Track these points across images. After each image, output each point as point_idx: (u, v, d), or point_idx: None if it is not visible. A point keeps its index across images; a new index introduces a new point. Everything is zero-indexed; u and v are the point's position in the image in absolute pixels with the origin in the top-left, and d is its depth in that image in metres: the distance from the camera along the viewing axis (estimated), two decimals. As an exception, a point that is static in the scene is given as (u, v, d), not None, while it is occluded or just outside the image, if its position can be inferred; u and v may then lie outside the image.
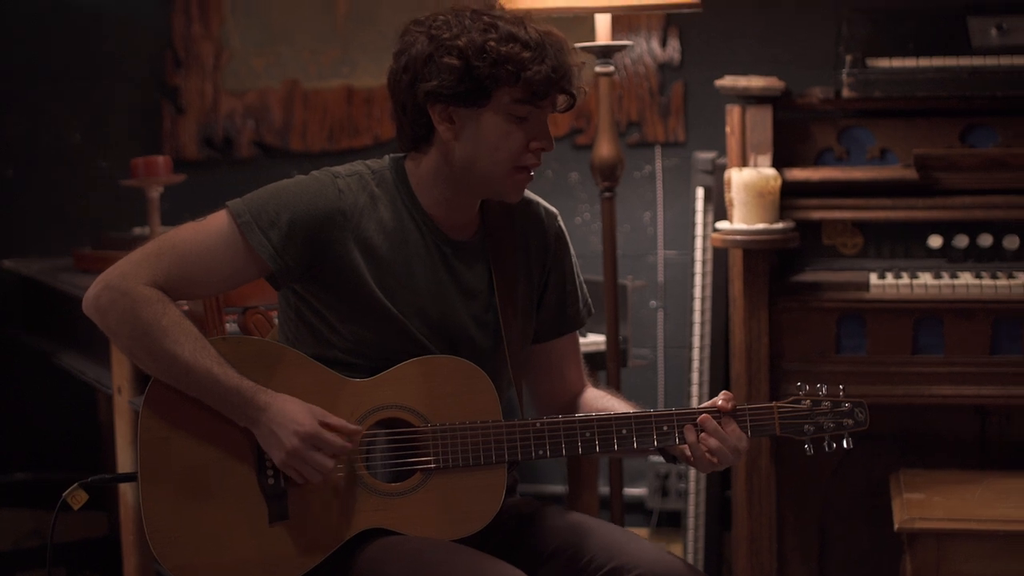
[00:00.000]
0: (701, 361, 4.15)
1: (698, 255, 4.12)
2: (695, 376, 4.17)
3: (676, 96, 4.53)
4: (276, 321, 2.91)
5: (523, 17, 2.56)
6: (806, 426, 2.60)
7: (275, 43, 4.72)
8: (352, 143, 4.69)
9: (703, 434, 2.55)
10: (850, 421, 2.61)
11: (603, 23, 3.57)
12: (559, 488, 4.49)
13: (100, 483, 2.67)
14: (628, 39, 4.43)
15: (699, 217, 4.11)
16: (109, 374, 3.56)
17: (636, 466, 4.50)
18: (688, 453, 2.58)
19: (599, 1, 3.50)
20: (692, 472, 4.23)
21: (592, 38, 3.62)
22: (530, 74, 2.49)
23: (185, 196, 4.18)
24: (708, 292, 4.12)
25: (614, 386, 3.52)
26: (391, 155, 2.68)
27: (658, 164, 4.56)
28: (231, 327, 2.97)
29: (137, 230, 4.39)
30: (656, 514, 4.53)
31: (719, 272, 4.10)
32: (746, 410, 2.59)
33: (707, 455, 2.55)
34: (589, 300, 2.83)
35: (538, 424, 2.59)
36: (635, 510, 4.50)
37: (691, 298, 4.21)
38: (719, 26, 4.49)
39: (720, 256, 4.11)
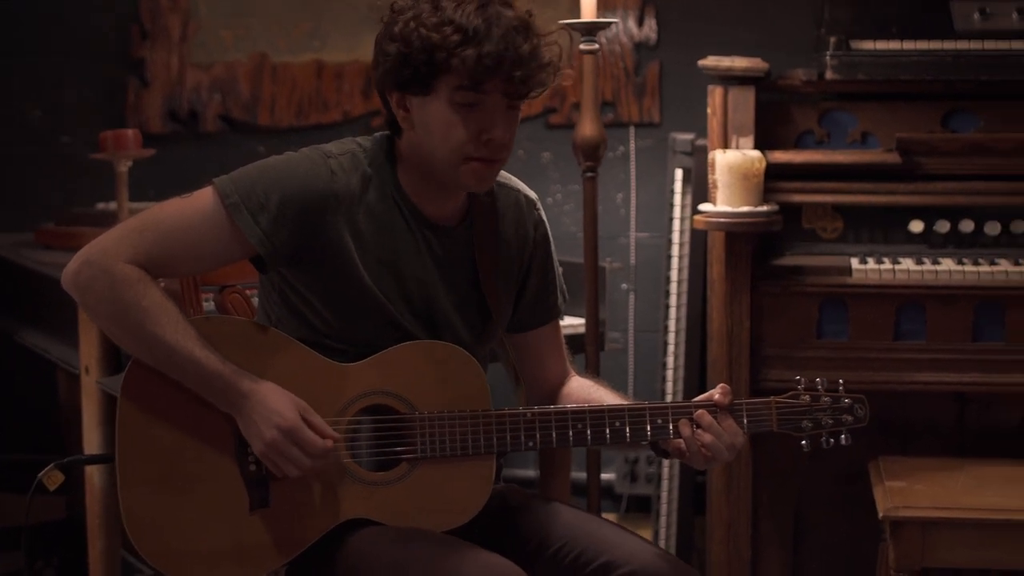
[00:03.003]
0: (677, 345, 4.10)
1: (675, 237, 4.07)
2: (670, 360, 4.12)
3: (652, 76, 4.48)
4: (255, 301, 2.84)
5: None
6: (804, 422, 2.54)
7: (244, 15, 4.63)
8: (321, 119, 4.61)
9: (699, 429, 2.49)
10: (849, 417, 2.56)
11: (588, 0, 3.50)
12: (531, 472, 4.44)
13: (76, 463, 2.61)
14: (604, 18, 4.36)
15: (677, 199, 4.06)
16: (75, 353, 3.47)
17: (604, 451, 4.45)
18: (682, 447, 2.51)
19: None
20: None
21: (568, 16, 3.56)
22: (458, 61, 2.38)
23: (150, 171, 4.10)
24: (685, 275, 4.06)
25: (593, 370, 3.47)
26: (383, 133, 2.60)
27: (632, 145, 4.51)
28: (208, 306, 2.90)
29: (101, 205, 4.31)
30: (625, 499, 4.49)
31: (696, 255, 4.05)
32: (743, 405, 2.52)
33: (702, 450, 2.49)
34: (564, 287, 2.77)
35: (529, 414, 2.52)
36: (604, 495, 4.44)
37: (666, 281, 4.16)
38: (696, 6, 4.44)
39: (697, 239, 4.06)
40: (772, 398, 2.54)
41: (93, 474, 3.41)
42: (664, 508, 4.18)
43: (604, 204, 4.48)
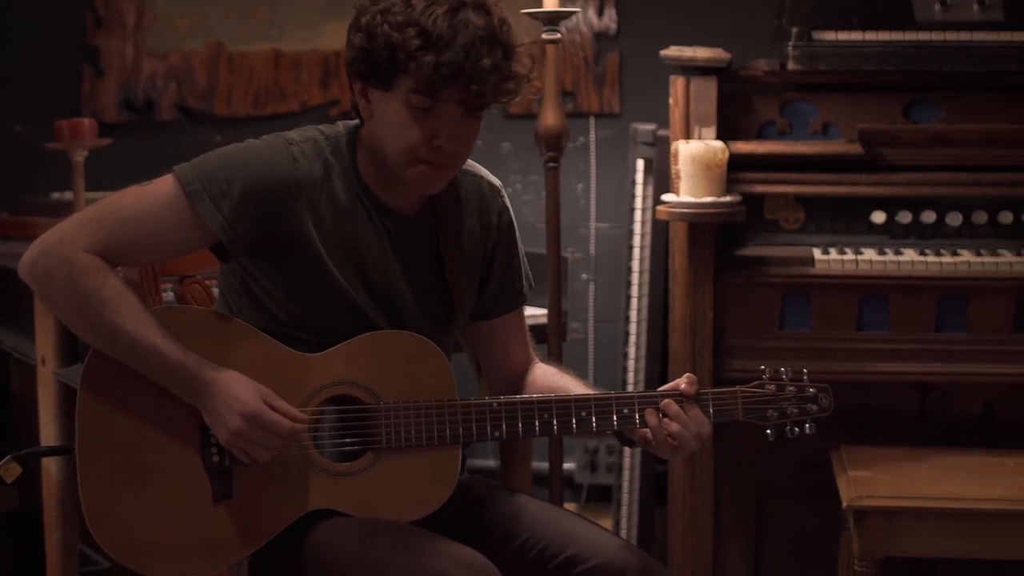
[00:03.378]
0: (638, 335, 4.08)
1: (637, 228, 4.06)
2: (632, 350, 4.11)
3: (612, 66, 4.46)
4: (215, 291, 2.81)
5: (459, 2, 2.37)
6: (769, 411, 2.54)
7: (200, 4, 4.58)
8: (279, 108, 4.57)
9: (665, 418, 2.48)
10: (814, 407, 2.56)
11: (550, -12, 3.48)
12: (491, 463, 4.42)
13: (34, 455, 2.57)
14: (565, 7, 4.33)
15: (639, 189, 4.04)
16: (30, 343, 3.43)
17: (565, 440, 4.43)
18: (648, 437, 2.50)
19: (546, -34, 3.42)
20: (626, 447, 4.17)
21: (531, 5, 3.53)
22: (415, 65, 2.34)
23: (105, 160, 4.03)
24: (647, 265, 4.05)
25: (555, 360, 3.45)
26: (345, 122, 2.57)
27: (592, 135, 4.49)
28: (167, 296, 2.88)
29: (56, 195, 4.25)
30: (585, 489, 4.47)
31: (657, 245, 4.03)
32: (709, 394, 2.52)
33: (668, 439, 2.48)
34: (530, 275, 2.75)
35: (495, 404, 2.51)
36: (564, 485, 4.43)
37: (627, 271, 4.15)
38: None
39: (659, 229, 4.04)
40: (738, 387, 2.54)
41: (50, 466, 3.37)
42: (625, 498, 4.17)
43: (564, 194, 4.43)
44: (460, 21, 2.35)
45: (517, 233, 2.70)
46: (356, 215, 2.50)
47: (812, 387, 2.56)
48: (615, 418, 2.50)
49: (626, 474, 4.18)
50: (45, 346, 3.34)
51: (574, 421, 2.51)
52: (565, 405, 2.51)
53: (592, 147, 4.47)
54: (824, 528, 3.73)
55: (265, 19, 4.56)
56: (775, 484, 3.83)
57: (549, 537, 2.50)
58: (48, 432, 3.34)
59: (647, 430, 2.49)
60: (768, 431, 2.55)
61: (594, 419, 2.50)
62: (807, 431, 2.56)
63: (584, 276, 4.48)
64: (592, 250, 4.45)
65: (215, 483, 2.44)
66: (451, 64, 2.33)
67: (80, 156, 3.72)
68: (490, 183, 2.66)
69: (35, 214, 4.00)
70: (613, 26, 4.46)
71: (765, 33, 4.17)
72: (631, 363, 4.11)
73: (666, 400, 2.49)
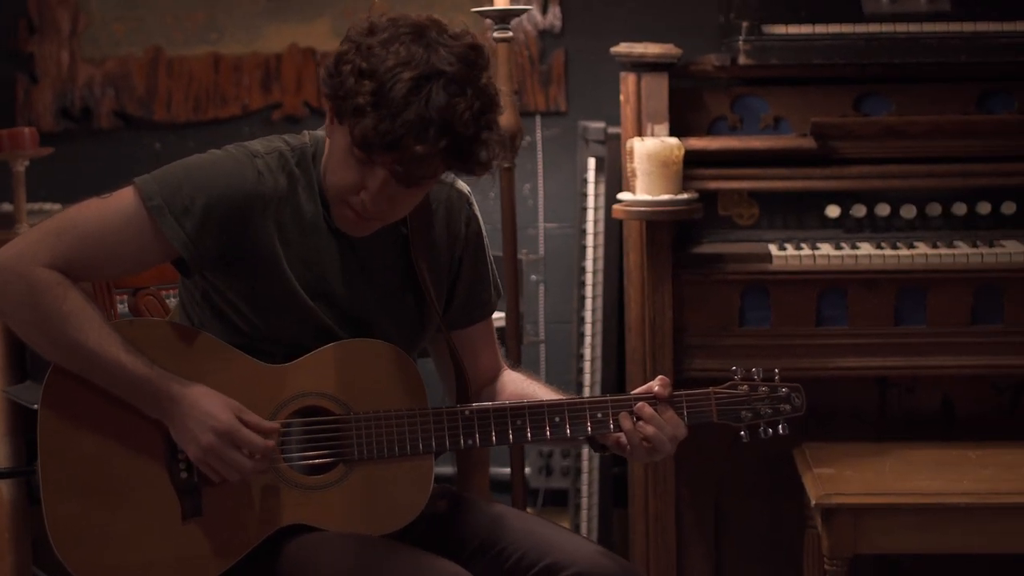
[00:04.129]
0: (593, 336, 4.04)
1: (590, 227, 4.02)
2: (587, 351, 4.07)
3: (557, 64, 4.42)
4: (169, 303, 2.74)
5: (434, 69, 2.24)
6: (743, 412, 2.51)
7: (135, 7, 4.49)
8: (219, 113, 4.48)
9: (640, 422, 2.44)
10: (787, 407, 2.53)
11: (501, -14, 3.43)
12: (448, 469, 4.36)
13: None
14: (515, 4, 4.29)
15: (591, 188, 4.00)
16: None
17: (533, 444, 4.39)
18: (623, 441, 2.46)
19: (497, -37, 3.37)
20: (586, 449, 4.13)
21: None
22: (354, 121, 2.26)
23: (42, 170, 3.93)
24: (600, 265, 4.01)
25: (515, 363, 3.40)
26: (311, 131, 2.51)
27: (538, 134, 4.44)
28: (121, 309, 2.81)
29: (-9, 206, 4.15)
30: (541, 493, 4.43)
31: (611, 245, 3.99)
32: (682, 396, 2.48)
33: (643, 443, 2.45)
34: (499, 283, 2.70)
35: (467, 412, 2.46)
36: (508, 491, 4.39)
37: (580, 271, 4.11)
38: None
39: (611, 228, 4.00)
40: (711, 389, 2.51)
41: (2, 488, 3.27)
42: (584, 502, 4.13)
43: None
44: (421, 94, 2.23)
45: (486, 241, 2.64)
46: (319, 228, 2.45)
47: (784, 387, 2.53)
48: (589, 424, 2.47)
49: (584, 477, 4.15)
50: (-9, 361, 3.25)
51: (548, 428, 2.47)
52: (538, 411, 2.47)
53: (539, 146, 4.41)
54: (786, 526, 3.72)
55: (203, 22, 4.47)
56: (735, 483, 3.81)
57: (527, 546, 2.45)
58: (-1, 451, 3.25)
59: (621, 435, 2.46)
60: (742, 432, 2.52)
61: (568, 425, 2.46)
62: (781, 432, 2.52)
63: (533, 277, 4.44)
64: (541, 251, 4.40)
65: (184, 500, 2.39)
66: (385, 135, 2.23)
67: (21, 166, 3.63)
68: (459, 191, 2.59)
69: (-29, 226, 3.89)
70: (558, 23, 4.42)
71: (708, 28, 4.16)
72: (587, 364, 4.07)
73: (640, 403, 2.45)
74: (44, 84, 4.50)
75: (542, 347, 4.37)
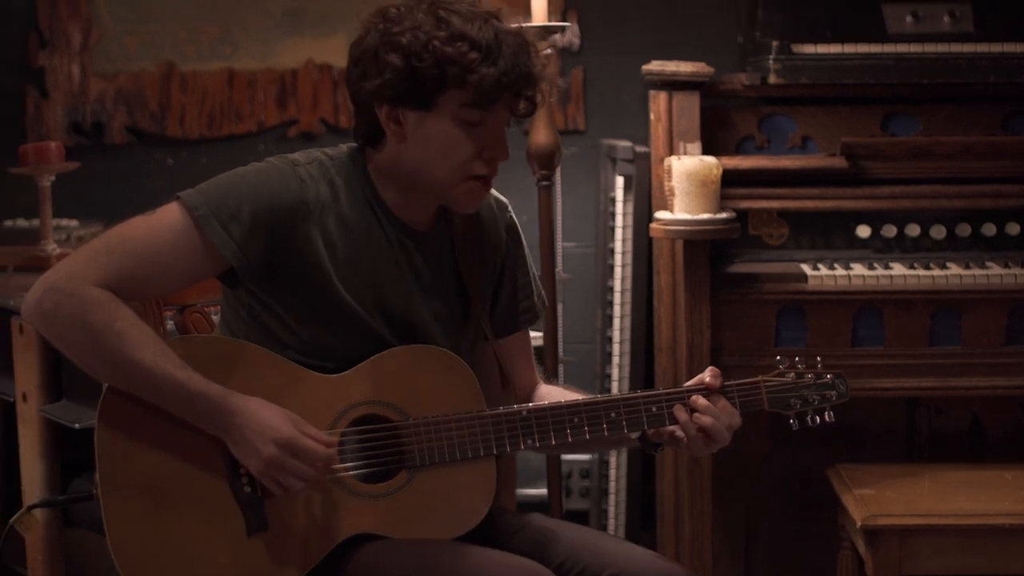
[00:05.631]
0: (621, 356, 4.02)
1: (618, 247, 3.99)
2: (615, 371, 4.04)
3: (576, 82, 4.39)
4: (215, 319, 2.71)
5: (485, 13, 2.38)
6: (792, 399, 2.55)
7: (148, 21, 4.43)
8: (234, 129, 4.43)
9: (696, 413, 2.47)
10: (833, 393, 2.57)
11: (539, 3, 3.42)
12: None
13: (53, 504, 2.43)
14: (523, 23, 4.27)
15: (619, 207, 3.98)
16: (9, 379, 3.27)
17: (536, 466, 4.35)
18: (679, 434, 2.48)
19: (534, -20, 3.36)
20: (612, 469, 4.11)
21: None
22: (476, 77, 2.32)
23: (53, 185, 3.84)
24: (628, 284, 3.99)
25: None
26: (348, 144, 2.52)
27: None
28: (168, 326, 2.77)
29: (8, 223, 4.09)
30: (562, 515, 4.39)
31: (638, 264, 3.97)
32: (733, 386, 2.52)
33: (700, 434, 2.46)
34: (543, 293, 2.70)
35: (524, 412, 2.47)
36: (538, 511, 4.34)
37: (607, 291, 4.08)
38: (616, 11, 4.36)
39: (638, 248, 3.98)
40: (760, 377, 2.55)
41: (36, 516, 3.21)
42: (612, 523, 4.10)
43: (529, 214, 4.40)
44: (497, 30, 2.35)
45: (526, 250, 2.66)
46: (371, 234, 2.45)
47: (829, 374, 2.57)
48: (644, 418, 2.48)
49: (611, 499, 4.12)
50: (27, 381, 3.18)
51: (605, 424, 2.48)
52: (594, 408, 2.48)
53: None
54: (816, 545, 3.71)
55: (217, 36, 4.42)
56: (764, 504, 3.80)
57: (587, 559, 2.46)
58: (32, 472, 3.17)
59: (675, 428, 2.47)
60: (792, 420, 2.56)
61: (624, 420, 2.48)
62: (828, 419, 2.56)
63: (552, 296, 4.40)
64: (559, 269, 4.37)
65: (248, 515, 2.37)
66: (508, 73, 2.33)
67: (47, 181, 3.59)
68: (497, 199, 2.62)
69: (-8, 243, 3.85)
70: (576, 42, 4.39)
71: (725, 47, 4.16)
72: (615, 384, 4.04)
73: (694, 394, 2.47)
74: (55, 98, 4.44)
75: (562, 367, 4.33)
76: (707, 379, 2.49)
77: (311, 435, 2.34)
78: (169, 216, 2.38)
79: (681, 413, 2.47)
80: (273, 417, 2.33)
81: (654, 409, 2.48)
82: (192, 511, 2.35)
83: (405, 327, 2.48)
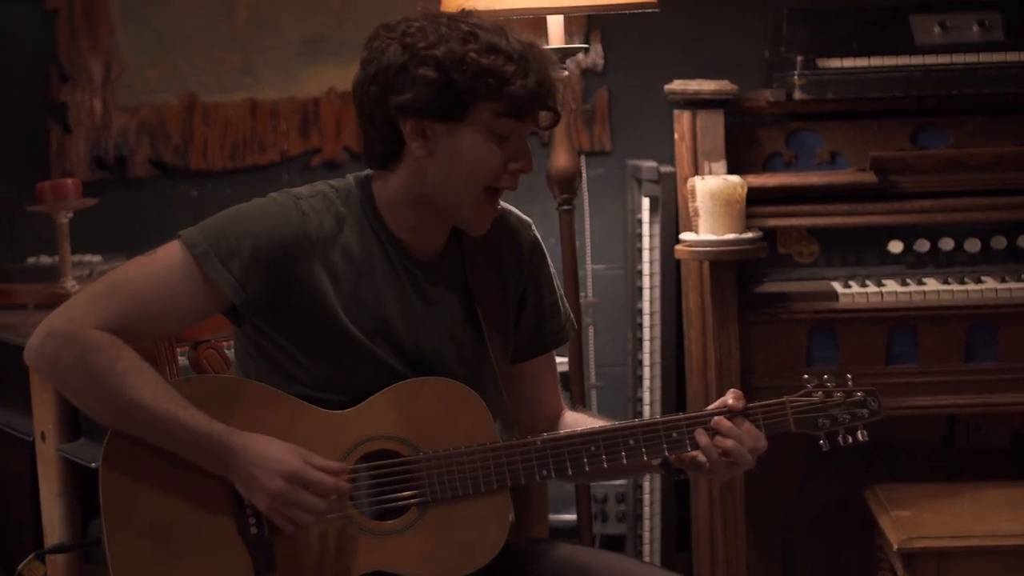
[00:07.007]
0: (652, 379, 3.96)
1: (646, 268, 3.93)
2: (646, 395, 3.98)
3: (601, 103, 4.34)
4: (230, 354, 2.68)
5: (502, 26, 2.36)
6: (820, 420, 2.45)
7: (169, 52, 4.40)
8: (258, 160, 4.39)
9: (718, 437, 2.39)
10: (864, 411, 2.47)
11: (556, 25, 3.37)
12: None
13: (60, 551, 2.40)
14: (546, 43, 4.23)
15: (646, 228, 3.92)
16: (26, 418, 3.25)
17: (568, 492, 4.29)
18: (701, 459, 2.40)
19: (551, 2, 3.30)
20: (646, 494, 4.04)
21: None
22: (513, 89, 2.30)
23: (77, 221, 3.82)
24: (657, 306, 3.93)
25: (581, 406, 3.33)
26: (355, 174, 2.47)
27: (583, 174, 4.36)
28: (182, 362, 2.74)
29: (32, 259, 4.07)
30: (598, 540, 4.33)
31: (667, 286, 3.91)
32: (758, 408, 2.43)
33: (723, 458, 2.39)
34: (571, 315, 2.64)
35: (538, 442, 2.40)
36: (573, 536, 4.29)
37: (637, 313, 4.02)
38: (640, 31, 4.30)
39: (667, 269, 3.92)
40: (785, 398, 2.46)
41: (56, 560, 3.16)
42: (647, 549, 4.04)
43: (555, 236, 4.35)
44: (521, 43, 2.34)
45: (552, 270, 2.60)
46: (375, 266, 2.41)
47: (859, 391, 2.48)
48: (664, 444, 2.40)
49: (646, 523, 4.06)
50: (44, 421, 3.15)
51: (623, 452, 2.41)
52: (611, 436, 2.41)
53: (584, 187, 4.33)
54: (853, 567, 3.64)
55: (238, 66, 4.39)
56: (800, 525, 3.74)
57: None
58: (52, 512, 3.13)
59: (698, 453, 2.40)
60: (821, 441, 2.46)
61: (643, 448, 2.41)
62: (860, 439, 2.46)
63: (584, 320, 4.34)
64: (589, 292, 4.32)
65: (256, 556, 2.33)
66: (543, 84, 2.32)
67: (64, 218, 3.56)
68: (519, 217, 2.57)
69: (14, 281, 3.81)
70: (600, 62, 4.34)
71: (749, 64, 4.09)
72: (646, 408, 3.98)
73: (716, 417, 2.40)
74: (78, 133, 4.41)
75: (594, 392, 4.28)
76: (729, 401, 2.42)
77: (319, 465, 2.30)
78: (169, 255, 2.36)
79: (703, 437, 2.39)
80: (278, 451, 2.30)
81: (674, 435, 2.41)
82: (199, 553, 2.31)
83: (415, 357, 2.43)
